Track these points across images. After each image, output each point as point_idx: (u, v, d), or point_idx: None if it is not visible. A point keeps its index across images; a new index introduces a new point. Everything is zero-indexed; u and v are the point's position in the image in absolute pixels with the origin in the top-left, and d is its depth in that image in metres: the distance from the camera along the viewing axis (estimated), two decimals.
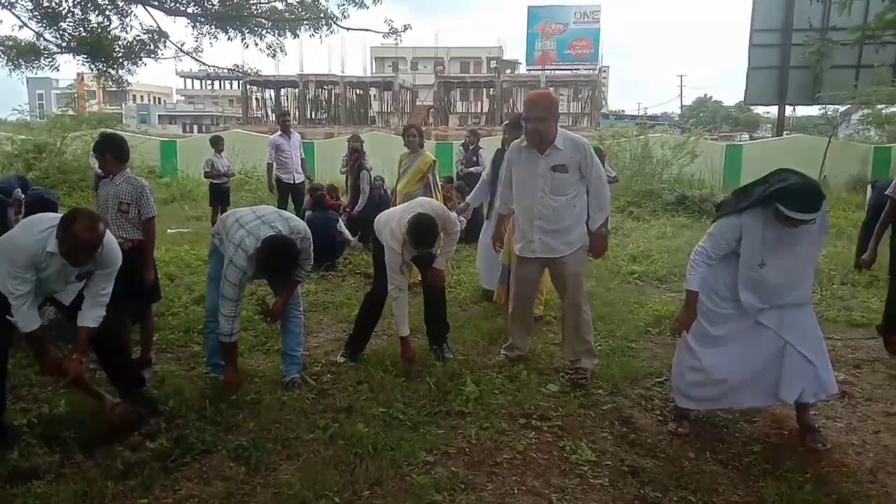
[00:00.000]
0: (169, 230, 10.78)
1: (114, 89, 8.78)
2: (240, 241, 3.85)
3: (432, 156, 6.92)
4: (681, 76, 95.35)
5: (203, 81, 77.67)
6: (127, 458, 3.27)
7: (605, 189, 4.29)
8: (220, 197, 10.58)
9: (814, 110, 21.88)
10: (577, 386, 4.19)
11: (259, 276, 4.11)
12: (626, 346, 4.97)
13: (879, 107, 16.87)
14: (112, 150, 4.39)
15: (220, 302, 3.90)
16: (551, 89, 49.57)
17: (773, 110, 23.48)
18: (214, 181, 10.51)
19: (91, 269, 3.47)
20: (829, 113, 17.52)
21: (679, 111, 68.59)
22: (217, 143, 10.57)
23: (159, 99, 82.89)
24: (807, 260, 3.49)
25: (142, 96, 77.89)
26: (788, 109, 24.53)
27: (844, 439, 3.62)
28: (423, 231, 4.20)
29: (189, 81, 79.98)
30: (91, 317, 3.50)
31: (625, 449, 3.47)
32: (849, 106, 16.97)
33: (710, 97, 75.02)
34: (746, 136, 45.02)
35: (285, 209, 9.93)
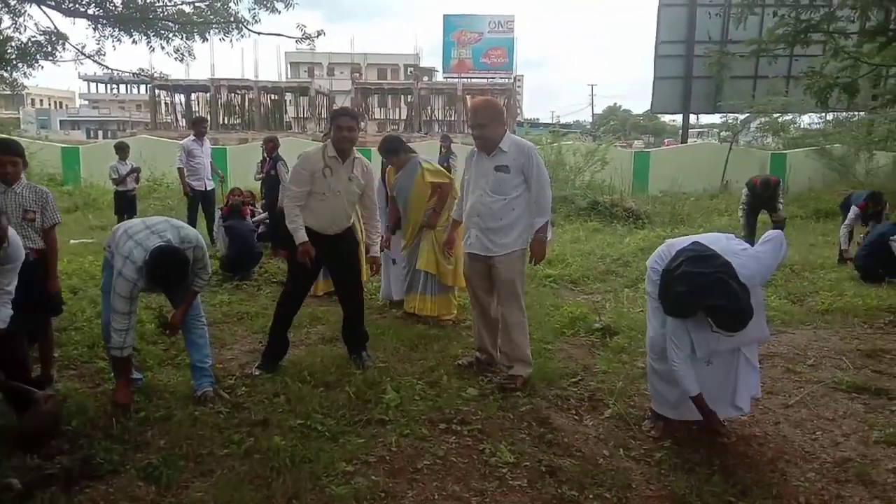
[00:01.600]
0: (72, 241, 10.22)
1: (8, 93, 8.25)
2: (128, 253, 3.75)
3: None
4: (591, 86, 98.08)
5: (108, 85, 74.28)
6: (27, 479, 3.07)
7: (545, 193, 4.28)
8: (126, 206, 10.14)
9: (716, 118, 23.07)
10: (501, 389, 4.23)
11: (152, 289, 3.99)
12: (542, 348, 5.06)
13: (775, 115, 18.01)
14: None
15: (111, 315, 3.78)
16: (468, 97, 50.26)
17: (679, 118, 24.62)
18: (119, 189, 10.08)
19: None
20: (729, 121, 18.53)
21: (590, 119, 70.88)
22: (122, 150, 10.13)
23: (61, 103, 78.62)
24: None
25: (42, 100, 73.76)
26: (692, 117, 25.78)
27: (748, 431, 3.81)
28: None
29: (93, 85, 76.33)
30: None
31: (542, 449, 3.53)
32: (748, 114, 18.02)
33: (620, 106, 78.09)
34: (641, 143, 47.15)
35: (195, 216, 9.72)
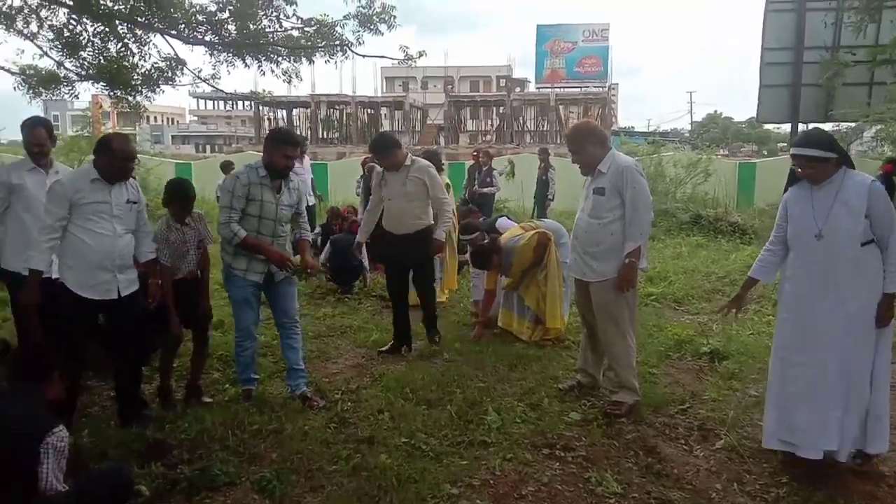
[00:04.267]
0: None
1: (138, 112, 8.85)
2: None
3: (446, 179, 7.01)
4: (690, 93, 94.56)
5: (216, 102, 78.47)
6: (154, 485, 3.26)
7: (639, 215, 4.06)
8: None
9: (826, 127, 21.79)
10: (605, 415, 4.14)
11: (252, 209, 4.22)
12: (647, 372, 4.91)
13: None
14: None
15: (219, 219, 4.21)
16: (561, 108, 49.80)
17: (785, 126, 23.43)
18: None
19: (135, 198, 3.89)
20: (842, 130, 17.45)
21: (689, 127, 68.58)
22: (227, 168, 10.76)
23: (172, 119, 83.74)
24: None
25: (155, 117, 78.69)
26: (801, 126, 24.41)
27: (880, 468, 3.55)
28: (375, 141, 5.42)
29: (202, 102, 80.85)
30: (148, 250, 4.01)
31: (651, 480, 3.42)
32: (859, 123, 16.92)
33: (720, 113, 75.00)
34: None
35: None
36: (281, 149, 4.21)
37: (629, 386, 4.25)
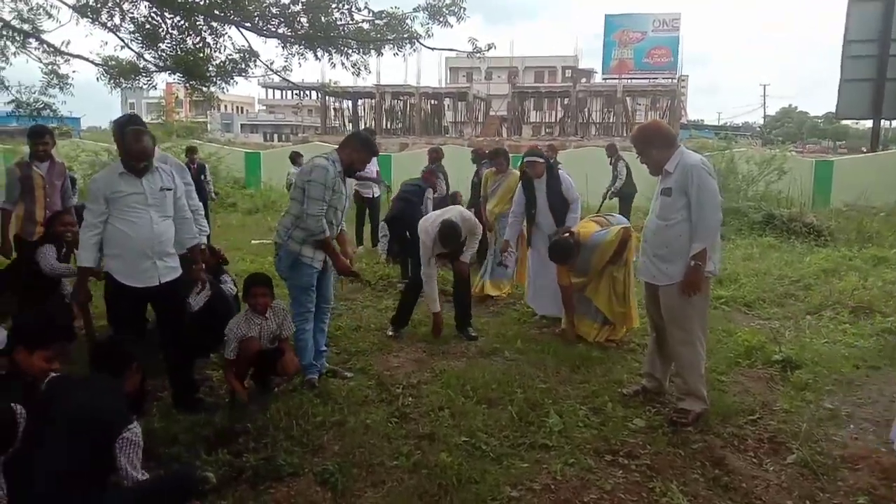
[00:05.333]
0: (253, 240, 11.12)
1: (212, 103, 9.20)
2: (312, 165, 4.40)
3: (518, 173, 6.97)
4: (764, 85, 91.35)
5: (283, 92, 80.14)
6: (221, 473, 3.35)
7: (705, 215, 3.90)
8: None
9: None
10: (671, 423, 4.03)
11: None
12: (715, 380, 4.76)
13: None
14: None
15: (309, 209, 4.30)
16: (628, 99, 48.77)
17: (865, 122, 22.33)
18: None
19: (169, 185, 4.01)
20: None
21: (761, 121, 66.18)
22: (296, 158, 11.06)
23: (242, 108, 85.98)
24: None
25: (225, 106, 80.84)
26: (885, 123, 23.24)
27: None
28: (446, 234, 5.55)
29: (270, 91, 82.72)
30: (188, 235, 4.19)
31: (718, 493, 3.32)
32: None
33: (795, 107, 72.17)
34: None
35: (363, 223, 10.23)
36: (365, 154, 4.58)
37: (697, 393, 4.12)
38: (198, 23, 6.93)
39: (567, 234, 5.69)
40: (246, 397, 4.21)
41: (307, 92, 47.27)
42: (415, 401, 4.35)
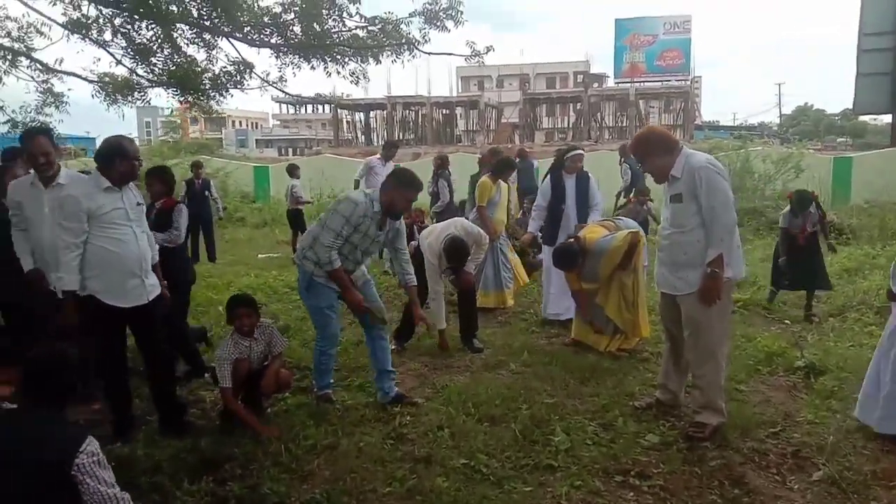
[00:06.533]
0: (259, 255, 10.99)
1: (213, 117, 9.12)
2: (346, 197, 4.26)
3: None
4: (779, 84, 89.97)
5: (297, 107, 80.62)
6: None
7: (717, 217, 3.65)
8: (299, 221, 10.91)
9: None
10: (686, 438, 3.76)
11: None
12: (734, 389, 4.48)
13: None
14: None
15: (321, 238, 4.07)
16: (641, 102, 48.40)
17: (884, 118, 21.84)
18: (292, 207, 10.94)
19: (140, 199, 3.88)
20: None
21: (777, 121, 65.35)
22: (293, 171, 11.05)
23: (256, 124, 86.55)
24: None
25: (240, 122, 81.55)
26: None
27: None
28: (454, 252, 5.36)
29: (284, 106, 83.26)
30: (155, 249, 4.03)
31: None
32: None
33: (812, 105, 71.30)
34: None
35: None
36: (406, 193, 4.23)
37: (714, 406, 3.84)
38: (188, 34, 6.80)
39: (572, 240, 5.45)
40: (263, 429, 3.91)
41: (321, 106, 47.57)
42: (413, 420, 4.11)
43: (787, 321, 6.39)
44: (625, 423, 3.97)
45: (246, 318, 4.13)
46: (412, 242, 6.30)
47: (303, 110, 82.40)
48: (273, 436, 3.82)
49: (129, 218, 3.75)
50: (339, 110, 51.79)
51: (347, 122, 55.79)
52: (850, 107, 21.77)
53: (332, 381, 4.50)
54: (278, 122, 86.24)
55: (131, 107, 8.00)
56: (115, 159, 3.73)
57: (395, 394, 4.38)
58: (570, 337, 5.70)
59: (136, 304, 3.77)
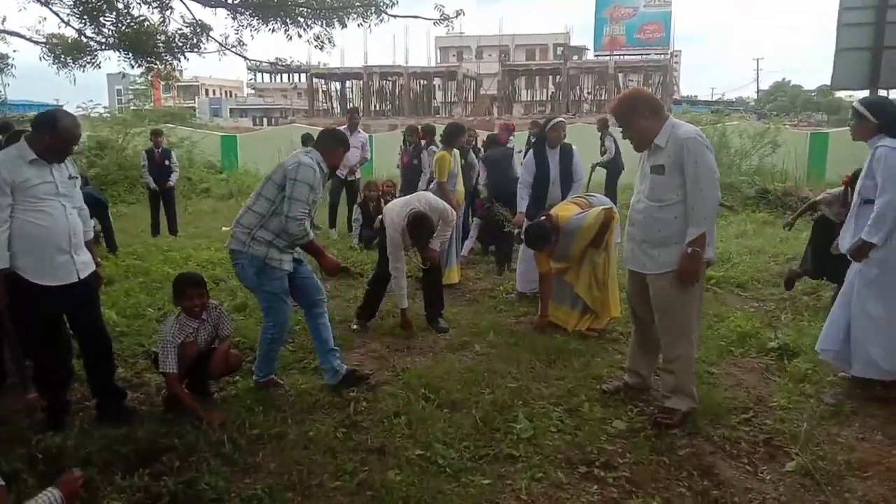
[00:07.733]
0: (223, 227, 10.62)
1: (179, 84, 8.69)
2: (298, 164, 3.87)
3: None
4: (757, 60, 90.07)
5: (273, 76, 78.98)
6: (134, 500, 2.90)
7: (701, 195, 3.42)
8: None
9: None
10: (655, 424, 3.58)
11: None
12: (704, 372, 4.31)
13: None
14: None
15: (291, 212, 3.79)
16: (620, 76, 48.10)
17: (859, 94, 21.80)
18: None
19: (75, 173, 3.62)
20: None
21: (755, 96, 65.48)
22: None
23: (230, 92, 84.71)
24: None
25: (214, 90, 79.78)
26: (882, 92, 22.62)
27: None
28: (418, 227, 5.08)
29: (259, 75, 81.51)
30: (89, 226, 3.76)
31: None
32: None
33: (789, 81, 71.52)
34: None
35: (337, 201, 9.73)
36: (339, 151, 4.17)
37: (685, 391, 3.66)
38: None
39: (544, 218, 5.22)
40: (208, 415, 3.65)
41: (296, 75, 46.51)
42: (368, 406, 3.88)
43: (760, 300, 6.24)
44: (591, 408, 3.78)
45: (197, 299, 3.85)
46: (380, 217, 6.03)
47: (278, 79, 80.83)
48: (218, 423, 3.57)
49: (58, 192, 3.46)
50: (314, 80, 50.79)
51: (323, 91, 54.74)
52: (828, 83, 21.68)
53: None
54: (253, 92, 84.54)
55: (83, 71, 7.55)
56: (44, 133, 3.42)
57: (345, 371, 4.17)
58: (539, 316, 5.49)
59: (65, 282, 3.48)
